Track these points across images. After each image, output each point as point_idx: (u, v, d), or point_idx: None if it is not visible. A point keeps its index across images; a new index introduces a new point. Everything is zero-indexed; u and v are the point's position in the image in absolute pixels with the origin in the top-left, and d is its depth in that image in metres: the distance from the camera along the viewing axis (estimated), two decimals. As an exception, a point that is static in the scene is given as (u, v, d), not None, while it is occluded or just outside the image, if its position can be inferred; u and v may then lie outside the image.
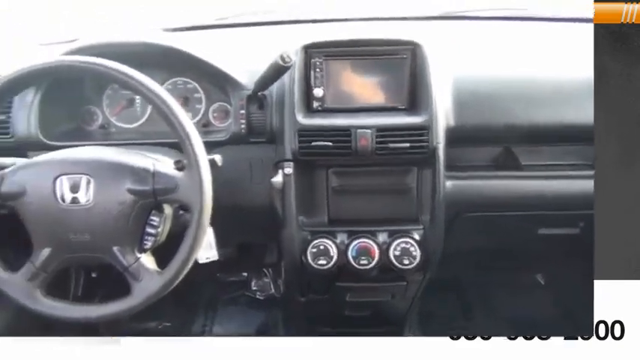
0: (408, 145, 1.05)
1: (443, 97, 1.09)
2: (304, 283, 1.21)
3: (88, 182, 0.86)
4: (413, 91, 1.10)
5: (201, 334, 1.57)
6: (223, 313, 1.63)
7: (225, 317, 1.62)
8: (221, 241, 1.07)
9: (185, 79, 1.20)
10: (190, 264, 0.88)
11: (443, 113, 1.08)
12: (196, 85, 1.20)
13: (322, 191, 1.14)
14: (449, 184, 1.11)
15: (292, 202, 1.09)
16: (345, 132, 1.05)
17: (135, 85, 0.84)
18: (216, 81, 1.15)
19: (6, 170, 0.88)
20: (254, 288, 1.68)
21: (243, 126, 1.11)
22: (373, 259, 1.09)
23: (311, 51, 1.08)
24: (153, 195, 0.86)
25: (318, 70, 1.09)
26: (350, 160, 1.08)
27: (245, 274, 1.69)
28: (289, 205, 1.09)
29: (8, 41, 1.38)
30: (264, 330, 1.57)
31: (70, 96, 1.19)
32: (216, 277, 1.67)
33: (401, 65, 1.09)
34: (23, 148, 1.10)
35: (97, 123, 1.23)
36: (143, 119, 1.23)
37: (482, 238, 1.26)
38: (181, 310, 1.61)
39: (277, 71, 0.99)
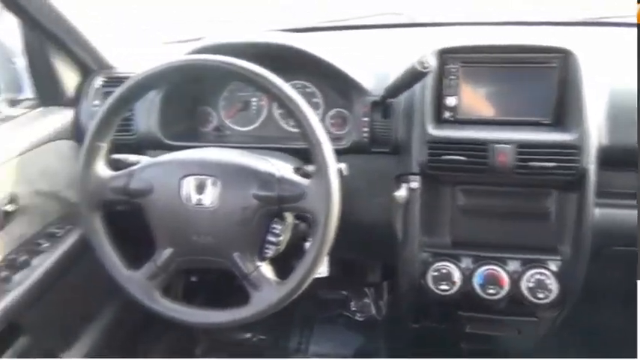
0: (553, 164, 0.93)
1: (595, 113, 0.96)
2: (420, 308, 1.11)
3: (214, 184, 0.83)
4: (561, 104, 0.97)
5: (296, 351, 1.51)
6: (320, 332, 1.56)
7: (322, 336, 1.54)
8: (328, 257, 1.00)
9: (304, 82, 1.16)
10: (312, 277, 0.82)
11: (595, 130, 0.95)
12: (315, 89, 1.15)
13: (446, 210, 1.04)
14: (597, 212, 0.96)
15: (416, 220, 1.00)
16: (481, 146, 0.95)
17: (269, 87, 0.80)
18: (339, 85, 1.09)
19: (135, 167, 0.88)
20: (353, 308, 1.59)
21: (365, 134, 1.04)
22: (502, 290, 0.97)
23: (446, 56, 0.99)
24: (277, 202, 0.81)
25: (452, 77, 0.99)
26: (483, 178, 0.98)
27: (345, 292, 1.61)
28: (412, 222, 1.00)
29: (132, 40, 1.43)
30: (363, 353, 1.48)
31: (188, 96, 1.19)
32: (315, 293, 1.62)
33: (549, 75, 0.97)
34: (142, 145, 1.10)
35: (211, 124, 1.22)
36: (257, 123, 1.21)
37: (628, 277, 1.09)
38: (277, 324, 1.56)
39: (414, 77, 0.91)
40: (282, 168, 0.84)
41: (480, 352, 1.19)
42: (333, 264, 1.50)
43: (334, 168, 0.80)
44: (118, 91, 0.85)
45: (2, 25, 1.08)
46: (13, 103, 1.13)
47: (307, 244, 1.00)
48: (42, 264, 0.98)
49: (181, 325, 1.39)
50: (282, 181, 0.81)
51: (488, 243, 1.02)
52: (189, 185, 0.83)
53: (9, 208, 0.97)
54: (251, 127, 1.21)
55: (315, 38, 1.13)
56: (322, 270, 1.02)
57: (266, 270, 0.84)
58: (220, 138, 1.20)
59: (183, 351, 1.48)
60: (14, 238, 1.01)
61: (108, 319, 1.24)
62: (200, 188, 0.83)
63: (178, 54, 0.98)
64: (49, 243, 1.03)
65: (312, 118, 0.80)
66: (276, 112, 1.19)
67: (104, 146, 0.88)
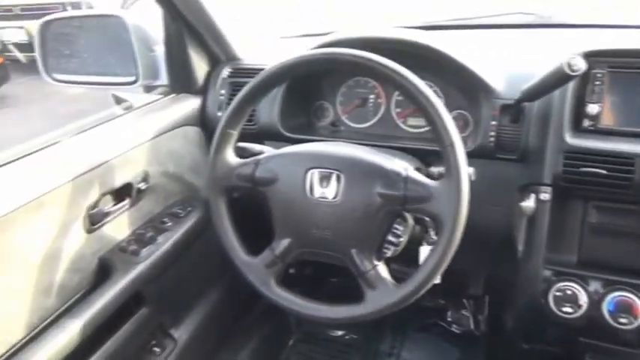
0: None
1: None
2: (534, 328, 1.04)
3: (338, 179, 0.83)
4: None
5: (388, 355, 1.48)
6: (413, 338, 1.52)
7: (415, 343, 1.50)
8: None
9: (428, 82, 1.12)
10: (431, 283, 0.79)
11: None
12: (438, 88, 1.11)
13: (575, 226, 0.96)
14: None
15: (542, 234, 0.93)
16: (627, 160, 0.86)
17: (403, 82, 0.78)
18: (466, 86, 1.05)
19: (261, 156, 0.90)
20: (449, 319, 1.53)
21: (491, 139, 0.99)
22: (637, 320, 0.88)
23: (592, 59, 0.91)
24: (402, 202, 0.79)
25: (597, 82, 0.91)
26: (622, 195, 0.89)
27: (442, 301, 1.56)
28: (538, 236, 0.94)
29: (249, 35, 1.47)
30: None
31: (307, 90, 1.21)
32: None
33: None
34: (262, 136, 1.13)
35: (327, 119, 1.23)
36: (373, 120, 1.19)
37: None
38: (370, 325, 1.55)
39: (559, 80, 0.84)
40: (408, 167, 0.82)
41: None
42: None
43: (466, 171, 0.77)
44: (253, 82, 0.87)
45: (147, 15, 1.16)
46: (149, 89, 1.21)
47: (423, 249, 0.97)
48: (166, 241, 1.04)
49: (287, 313, 1.43)
50: (408, 180, 0.79)
51: (620, 266, 0.93)
52: (313, 178, 0.84)
53: (142, 186, 1.04)
54: (366, 125, 1.20)
55: (441, 36, 1.09)
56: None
57: (383, 270, 0.82)
58: (335, 133, 1.21)
59: (277, 340, 1.51)
60: (143, 214, 1.08)
61: (214, 301, 1.29)
62: (324, 181, 0.83)
63: (301, 48, 1.00)
64: (172, 222, 1.09)
65: (447, 117, 0.77)
66: (394, 111, 1.17)
67: (235, 134, 0.91)
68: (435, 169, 0.88)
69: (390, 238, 0.83)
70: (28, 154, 0.88)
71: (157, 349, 1.13)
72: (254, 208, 1.00)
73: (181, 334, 1.17)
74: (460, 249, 1.10)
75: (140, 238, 1.03)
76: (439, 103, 0.77)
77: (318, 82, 1.22)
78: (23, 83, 5.52)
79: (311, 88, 1.21)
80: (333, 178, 0.83)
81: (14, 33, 5.73)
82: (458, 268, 1.37)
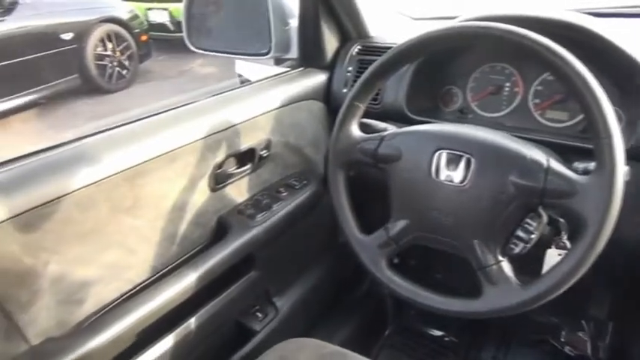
0: None
1: None
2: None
3: (468, 162, 0.77)
4: None
5: (490, 365, 1.38)
6: (518, 352, 1.40)
7: (521, 357, 1.39)
8: None
9: None
10: (561, 290, 0.71)
11: None
12: None
13: None
14: None
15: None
16: None
17: (556, 60, 0.70)
18: (624, 80, 0.93)
19: (386, 133, 0.87)
20: (563, 339, 1.39)
21: None
22: None
23: None
24: (540, 195, 0.72)
25: None
26: None
27: (556, 319, 1.42)
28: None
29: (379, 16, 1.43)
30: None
31: (437, 73, 1.15)
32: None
33: None
34: (385, 116, 1.10)
35: (455, 105, 1.16)
36: (506, 110, 1.10)
37: None
38: (471, 330, 1.46)
39: None
40: (550, 158, 0.74)
41: None
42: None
43: (622, 169, 0.67)
44: (386, 55, 0.84)
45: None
46: (279, 61, 1.24)
47: (550, 253, 0.88)
48: (280, 210, 1.06)
49: (385, 303, 1.39)
50: (550, 172, 0.72)
51: None
52: (441, 159, 0.79)
53: (264, 153, 1.07)
54: (498, 114, 1.11)
55: (603, 23, 0.97)
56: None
57: (507, 267, 0.76)
58: (462, 120, 1.14)
59: (372, 328, 1.48)
60: (261, 181, 1.11)
61: (317, 278, 1.30)
62: (452, 164, 0.78)
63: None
64: (287, 192, 1.11)
65: (607, 106, 0.68)
66: (531, 102, 1.07)
67: (361, 108, 0.89)
68: (579, 165, 0.79)
69: (520, 233, 0.75)
70: (165, 111, 0.94)
71: (259, 315, 1.16)
72: (370, 187, 0.98)
73: (283, 303, 1.19)
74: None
75: (257, 204, 1.06)
76: (599, 89, 0.68)
77: (449, 65, 1.15)
78: (162, 61, 6.05)
79: (441, 72, 1.16)
80: (463, 161, 0.78)
81: (159, 14, 6.30)
82: (582, 283, 1.24)
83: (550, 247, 0.88)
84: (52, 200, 0.72)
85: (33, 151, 0.77)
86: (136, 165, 0.82)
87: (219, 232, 1.01)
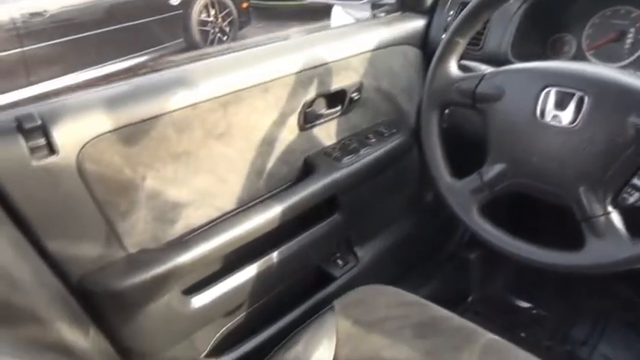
0: None
1: None
2: None
3: (580, 101, 0.69)
4: None
5: (582, 344, 1.27)
6: (618, 333, 1.28)
7: (617, 339, 1.26)
8: None
9: None
10: None
11: None
12: None
13: None
14: None
15: None
16: None
17: None
18: None
19: (487, 71, 0.81)
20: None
21: None
22: None
23: None
24: None
25: None
26: None
27: None
28: None
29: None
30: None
31: (549, 18, 1.05)
32: (617, 290, 1.34)
33: None
34: (486, 60, 1.02)
35: (567, 54, 1.05)
36: (629, 60, 0.98)
37: None
38: (565, 307, 1.36)
39: None
40: None
41: None
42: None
43: None
44: None
45: None
46: (375, 6, 1.20)
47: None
48: (367, 155, 1.04)
49: (471, 268, 1.33)
50: None
51: None
52: (548, 98, 0.72)
53: (354, 95, 1.04)
54: (618, 64, 0.99)
55: None
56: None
57: (617, 219, 0.68)
58: None
59: (455, 292, 1.43)
60: (350, 126, 1.09)
61: (401, 232, 1.27)
62: (561, 104, 0.71)
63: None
64: (375, 139, 1.08)
65: None
66: (661, 50, 0.95)
67: (462, 44, 0.83)
68: None
69: (637, 181, 0.67)
70: (259, 45, 0.95)
71: (339, 262, 1.16)
72: (465, 136, 0.93)
73: (364, 254, 1.18)
74: None
75: (344, 147, 1.04)
76: None
77: (564, 10, 1.05)
78: (260, 27, 6.19)
79: (553, 17, 1.05)
80: (574, 99, 0.70)
81: (260, -19, 6.42)
82: None
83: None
84: (152, 118, 0.75)
85: (137, 72, 0.81)
86: (231, 92, 0.84)
87: (306, 172, 1.01)
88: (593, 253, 0.68)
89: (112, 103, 0.73)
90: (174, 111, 0.77)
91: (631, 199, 0.68)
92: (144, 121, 0.74)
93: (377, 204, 1.16)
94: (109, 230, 0.75)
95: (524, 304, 1.41)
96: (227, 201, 0.91)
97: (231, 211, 0.92)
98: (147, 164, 0.77)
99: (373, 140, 1.08)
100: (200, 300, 0.86)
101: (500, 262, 1.46)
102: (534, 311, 1.38)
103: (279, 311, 1.04)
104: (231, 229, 0.86)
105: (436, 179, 0.85)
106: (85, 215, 0.72)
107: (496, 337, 0.79)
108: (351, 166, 1.01)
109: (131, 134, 0.74)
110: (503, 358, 0.76)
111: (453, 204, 0.82)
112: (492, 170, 0.78)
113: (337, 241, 1.13)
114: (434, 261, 1.41)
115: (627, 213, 0.69)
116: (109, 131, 0.71)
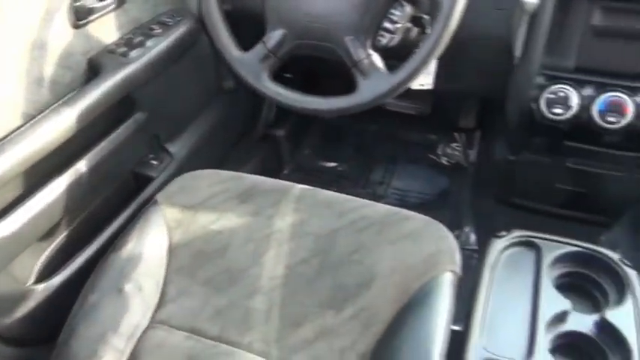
0: None
1: None
2: (523, 135, 1.06)
3: None
4: None
5: (379, 184, 1.54)
6: (403, 170, 1.57)
7: (406, 173, 1.55)
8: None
9: None
10: (423, 70, 0.79)
11: None
12: None
13: (576, 29, 0.93)
14: None
15: (542, 34, 0.91)
16: None
17: None
18: None
19: None
20: (439, 152, 1.58)
21: None
22: (623, 119, 0.90)
23: None
24: None
25: None
26: None
27: (433, 136, 1.59)
28: (537, 37, 0.92)
29: None
30: (447, 191, 1.48)
31: None
32: (401, 135, 1.61)
33: None
34: None
35: None
36: None
37: None
38: (361, 159, 1.59)
39: None
40: None
41: (575, 195, 1.14)
42: (428, 102, 1.45)
43: None
44: None
45: None
46: None
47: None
48: (155, 46, 1.01)
49: (280, 142, 1.43)
50: None
51: (618, 71, 0.92)
52: None
53: (126, -14, 0.99)
54: None
55: None
56: (427, 82, 0.98)
57: (377, 59, 0.81)
58: None
59: (271, 169, 1.56)
60: (130, 20, 1.04)
61: (210, 124, 1.30)
62: None
63: None
64: (161, 29, 1.05)
65: None
66: None
67: None
68: None
69: (386, 24, 0.80)
70: None
71: (154, 162, 1.16)
72: (248, 7, 0.97)
73: (178, 150, 1.19)
74: (458, 62, 1.08)
75: (129, 42, 1.00)
76: None
77: None
78: None
79: None
80: None
81: None
82: (452, 91, 1.37)
83: (417, 47, 0.95)
84: None
85: None
86: None
87: (92, 74, 0.95)
88: (365, 91, 0.81)
89: None
90: None
91: (384, 40, 0.81)
92: None
93: (178, 97, 1.16)
94: None
95: (331, 164, 1.61)
96: (9, 119, 0.83)
97: (19, 127, 0.84)
98: None
99: (159, 31, 1.05)
100: (6, 227, 0.81)
101: (306, 134, 1.62)
102: (340, 168, 1.60)
103: (103, 223, 1.02)
104: (21, 146, 0.79)
105: (225, 55, 0.89)
106: None
107: (307, 186, 0.92)
108: (140, 59, 0.98)
109: None
110: (316, 199, 0.89)
111: (244, 74, 0.87)
112: (274, 37, 0.85)
113: (146, 142, 1.12)
114: (247, 143, 1.50)
115: (384, 53, 0.82)
116: None
